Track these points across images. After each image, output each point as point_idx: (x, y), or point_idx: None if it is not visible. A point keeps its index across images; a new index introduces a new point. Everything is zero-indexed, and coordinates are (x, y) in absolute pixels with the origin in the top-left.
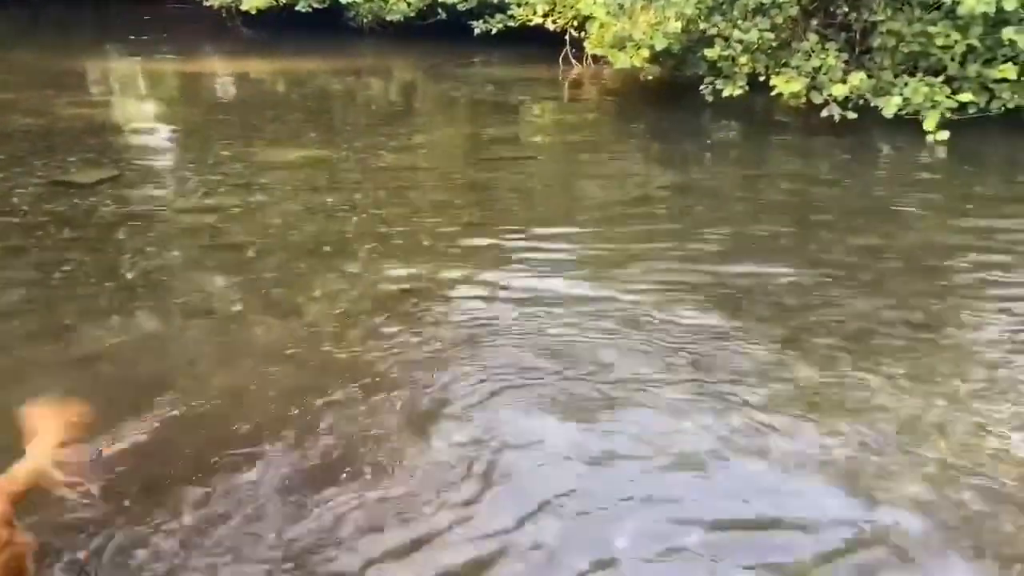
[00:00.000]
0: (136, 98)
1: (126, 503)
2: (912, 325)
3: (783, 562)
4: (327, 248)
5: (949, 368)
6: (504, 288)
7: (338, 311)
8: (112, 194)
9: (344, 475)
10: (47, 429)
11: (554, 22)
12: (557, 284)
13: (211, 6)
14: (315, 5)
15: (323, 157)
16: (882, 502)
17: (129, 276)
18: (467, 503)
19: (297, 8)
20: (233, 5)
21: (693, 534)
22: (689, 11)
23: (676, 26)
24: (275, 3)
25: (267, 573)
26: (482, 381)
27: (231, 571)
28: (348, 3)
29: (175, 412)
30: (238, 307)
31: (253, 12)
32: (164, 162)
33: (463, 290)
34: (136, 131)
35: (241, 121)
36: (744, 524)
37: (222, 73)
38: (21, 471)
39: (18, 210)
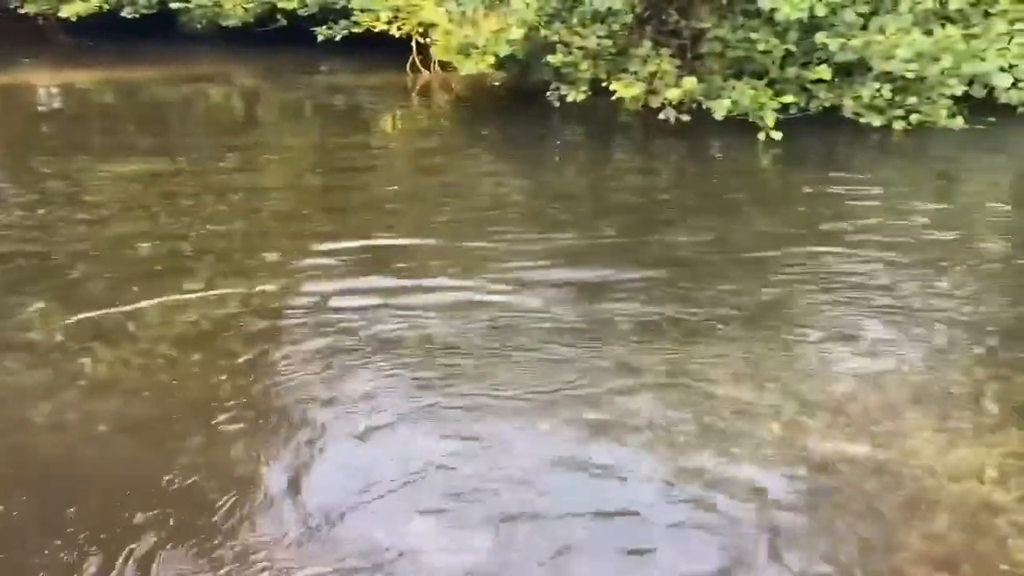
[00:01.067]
0: None
1: None
2: (746, 316)
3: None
4: (161, 268)
5: (779, 355)
6: (356, 300)
7: (175, 335)
8: None
9: (194, 514)
10: None
11: (399, 28)
12: (410, 292)
13: (26, 14)
14: (143, 11)
15: (157, 171)
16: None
17: None
18: (305, 542)
19: (122, 14)
20: (51, 12)
21: (540, 526)
22: (530, 18)
23: (519, 33)
24: (98, 9)
25: None
26: (333, 400)
27: None
28: (179, 9)
29: None
30: (60, 335)
31: (73, 19)
32: None
33: (313, 304)
34: None
35: (64, 135)
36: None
37: (41, 85)
38: None
39: None
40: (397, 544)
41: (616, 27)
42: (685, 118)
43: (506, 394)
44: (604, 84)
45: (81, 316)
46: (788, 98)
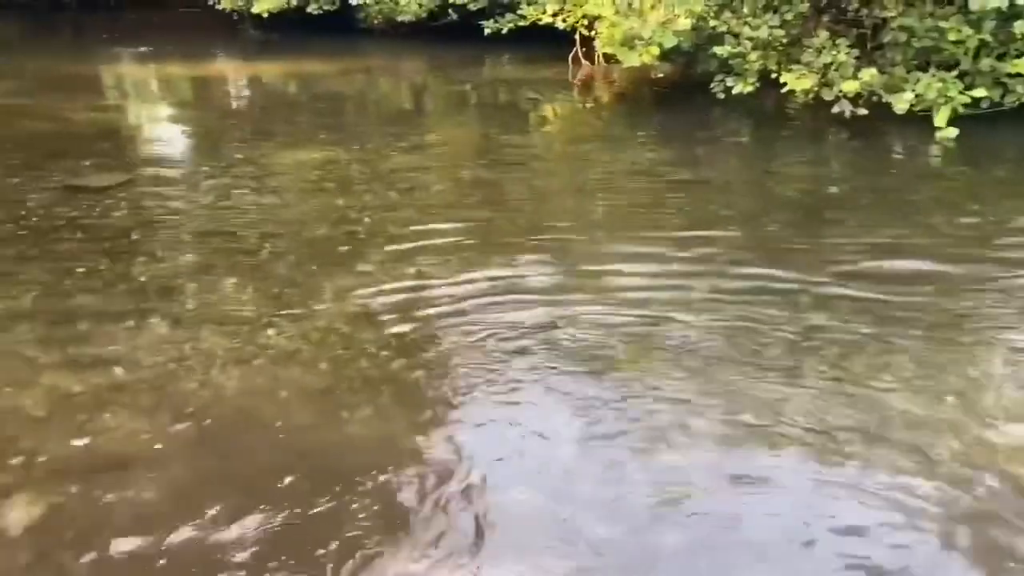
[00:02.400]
0: (148, 102)
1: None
2: (924, 324)
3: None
4: (339, 250)
5: (962, 368)
6: (517, 289)
7: (350, 313)
8: (125, 198)
9: (362, 478)
10: None
11: (564, 21)
12: (568, 284)
13: (223, 9)
14: (325, 7)
15: (334, 158)
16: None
17: (142, 280)
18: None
19: (308, 10)
20: (244, 8)
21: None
22: (699, 8)
23: (686, 24)
24: (286, 5)
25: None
26: (493, 385)
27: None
28: (358, 4)
29: (188, 415)
30: (250, 309)
31: (264, 15)
32: (176, 166)
33: (474, 291)
34: (148, 135)
35: (252, 124)
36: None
37: (233, 76)
38: None
39: (32, 214)
40: (563, 532)
41: (790, 16)
42: (861, 111)
43: (666, 394)
44: (773, 76)
45: (267, 291)
46: (980, 92)
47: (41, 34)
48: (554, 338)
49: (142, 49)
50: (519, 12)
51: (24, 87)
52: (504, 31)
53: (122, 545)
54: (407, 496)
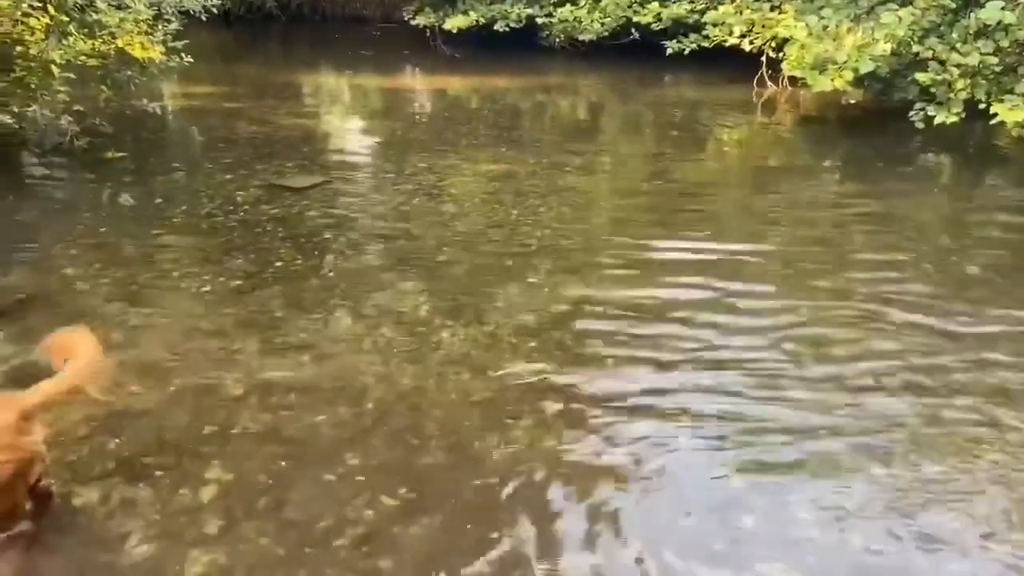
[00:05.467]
0: (344, 110)
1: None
2: None
3: None
4: (511, 260)
5: None
6: (686, 309)
7: (518, 323)
8: (320, 199)
9: (525, 490)
10: (83, 356)
11: (751, 43)
12: (738, 308)
13: (417, 25)
14: (512, 25)
15: (511, 171)
16: None
17: (330, 275)
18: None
19: (495, 28)
20: (436, 24)
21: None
22: (901, 32)
23: (885, 48)
24: (475, 23)
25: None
26: (656, 397)
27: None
28: (543, 23)
29: (366, 405)
30: (425, 310)
31: (454, 31)
32: (366, 171)
33: (643, 309)
34: (343, 141)
35: (436, 134)
36: None
37: (421, 89)
38: (42, 389)
39: (240, 209)
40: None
41: (1005, 43)
42: None
43: (835, 424)
44: (982, 106)
45: (442, 295)
46: None
47: (253, 44)
48: (712, 362)
49: (341, 61)
50: (703, 33)
51: (238, 92)
52: (686, 52)
53: (299, 517)
54: (569, 511)
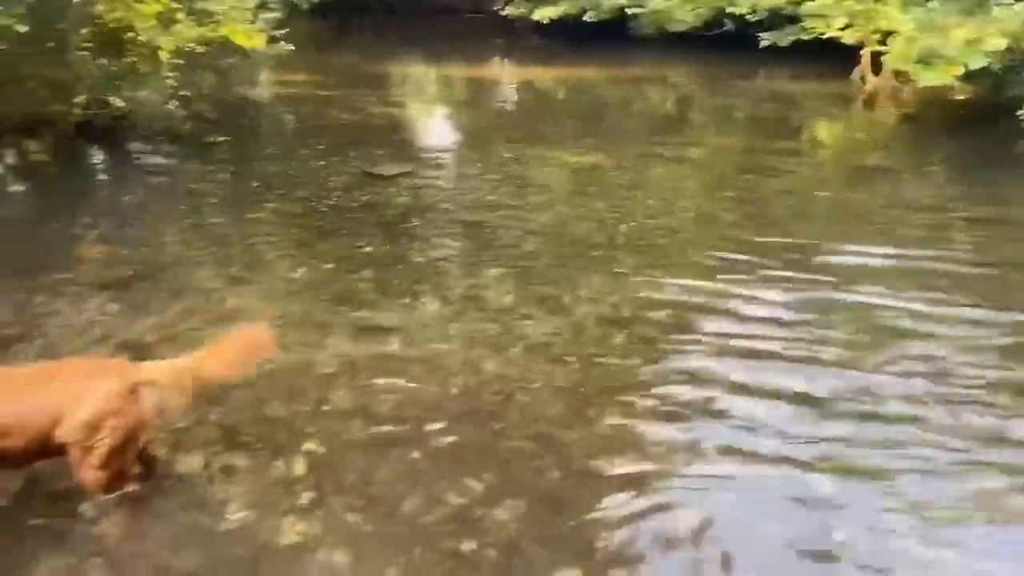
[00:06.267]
0: (432, 100)
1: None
2: None
3: None
4: (596, 251)
5: None
6: (770, 308)
7: (601, 314)
8: (408, 187)
9: (608, 478)
10: (222, 349)
11: (852, 35)
12: (829, 309)
13: (506, 15)
14: (602, 16)
15: (597, 163)
16: None
17: (417, 261)
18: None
19: (584, 18)
20: (525, 15)
21: None
22: (1016, 28)
23: (999, 43)
24: (565, 13)
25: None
26: (748, 403)
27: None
28: (633, 14)
29: (451, 389)
30: (510, 299)
31: (544, 22)
32: (453, 160)
33: (727, 306)
34: (430, 130)
35: (522, 125)
36: None
37: (509, 79)
38: (160, 367)
39: (332, 195)
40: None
41: None
42: None
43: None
44: None
45: (526, 284)
46: None
47: (347, 34)
48: (804, 360)
49: (430, 51)
50: (801, 24)
51: (331, 81)
52: (782, 44)
53: (386, 494)
54: (652, 507)
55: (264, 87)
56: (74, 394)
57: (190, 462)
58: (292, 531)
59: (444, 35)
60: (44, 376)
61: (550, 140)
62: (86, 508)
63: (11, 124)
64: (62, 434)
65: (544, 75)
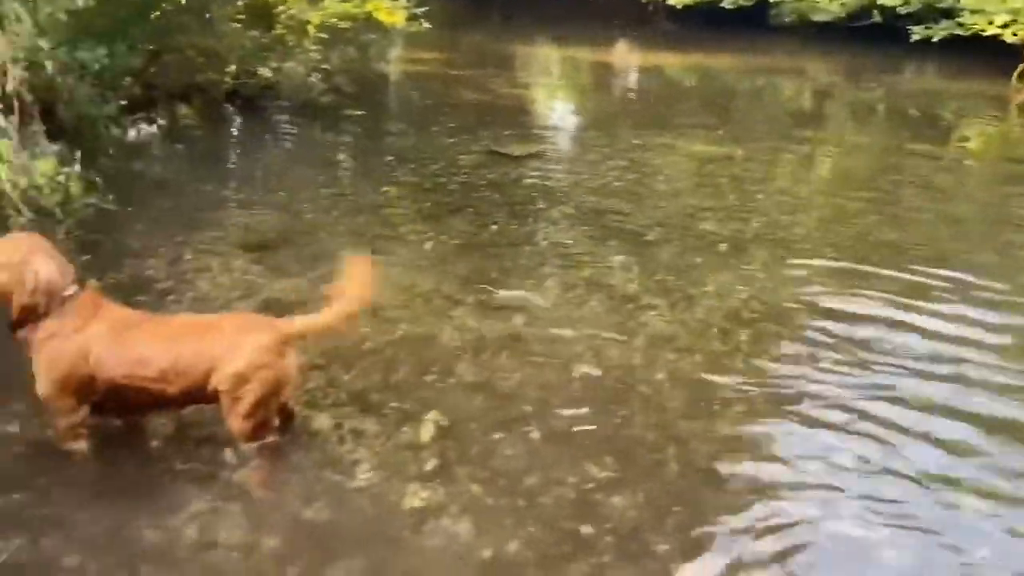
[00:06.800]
0: (560, 83)
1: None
2: None
3: None
4: (724, 244)
5: None
6: (909, 315)
7: (729, 309)
8: (535, 168)
9: (732, 477)
10: (351, 294)
11: (1014, 34)
12: (973, 323)
13: (640, 0)
14: (741, 2)
15: (729, 154)
16: None
17: (543, 243)
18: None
19: (722, 4)
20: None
21: None
22: None
23: None
24: None
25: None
26: (874, 409)
27: None
28: (775, 1)
29: (573, 373)
30: (633, 287)
31: (679, 7)
32: (580, 143)
33: (866, 312)
34: (558, 113)
35: (650, 111)
36: None
37: (637, 64)
38: (302, 321)
39: (462, 172)
40: None
41: None
42: None
43: None
44: None
45: (651, 273)
46: None
47: (476, 14)
48: (945, 376)
49: (559, 33)
50: (958, 20)
51: (461, 60)
52: (935, 39)
53: (507, 469)
54: (772, 510)
55: (399, 64)
56: (230, 346)
57: (323, 422)
58: (417, 496)
59: (573, 17)
60: (202, 327)
61: (679, 128)
62: (228, 456)
63: (167, 90)
64: (216, 382)
65: (675, 61)
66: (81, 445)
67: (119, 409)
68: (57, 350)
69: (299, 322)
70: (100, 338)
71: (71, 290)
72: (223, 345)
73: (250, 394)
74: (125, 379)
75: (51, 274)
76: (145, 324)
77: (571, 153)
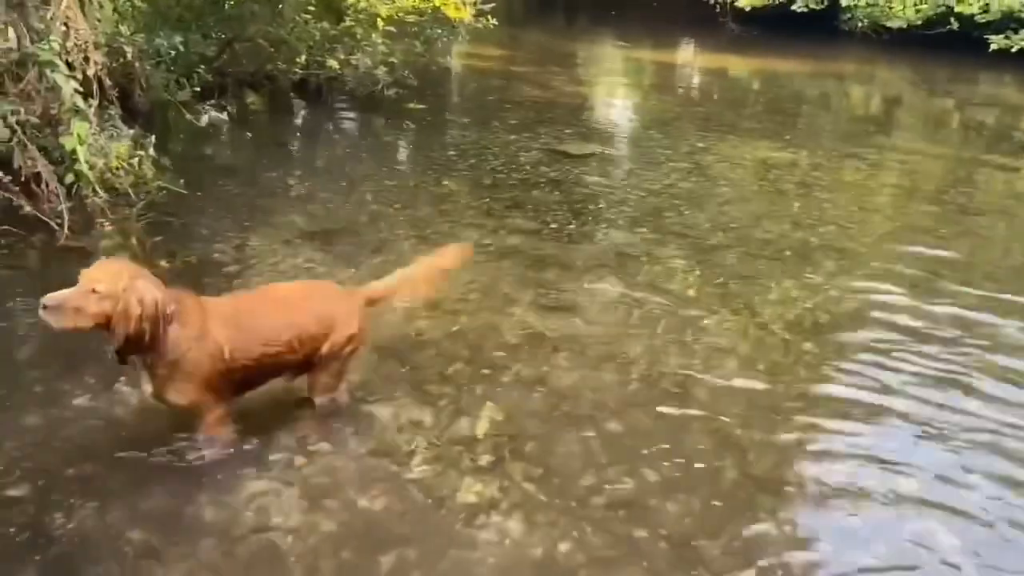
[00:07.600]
0: (622, 83)
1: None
2: None
3: None
4: (788, 252)
5: None
6: (979, 334)
7: (791, 318)
8: (595, 167)
9: (794, 492)
10: (431, 263)
11: None
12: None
13: (706, 1)
14: (812, 5)
15: (793, 160)
16: None
17: (602, 242)
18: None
19: (792, 7)
20: (727, 1)
21: None
22: None
23: None
24: (770, 2)
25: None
26: (949, 425)
27: None
28: (847, 6)
29: (628, 375)
30: (693, 292)
31: (747, 9)
32: (641, 144)
33: (924, 326)
34: (620, 113)
35: (714, 114)
36: None
37: (701, 66)
38: (382, 285)
39: (522, 169)
40: None
41: None
42: None
43: None
44: None
45: (712, 279)
46: None
47: (539, 12)
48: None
49: (622, 33)
50: None
51: (523, 57)
52: (1014, 49)
53: (561, 468)
54: (832, 523)
55: (460, 59)
56: (344, 310)
57: (380, 411)
58: (470, 491)
59: (637, 17)
60: (301, 295)
61: (743, 132)
62: (287, 440)
63: (237, 78)
64: (331, 344)
65: (740, 64)
66: (229, 432)
67: (243, 388)
68: (194, 361)
69: (373, 287)
70: (224, 333)
71: (172, 307)
72: (338, 310)
73: (354, 353)
74: (257, 360)
75: (156, 299)
76: (249, 306)
77: (632, 153)
